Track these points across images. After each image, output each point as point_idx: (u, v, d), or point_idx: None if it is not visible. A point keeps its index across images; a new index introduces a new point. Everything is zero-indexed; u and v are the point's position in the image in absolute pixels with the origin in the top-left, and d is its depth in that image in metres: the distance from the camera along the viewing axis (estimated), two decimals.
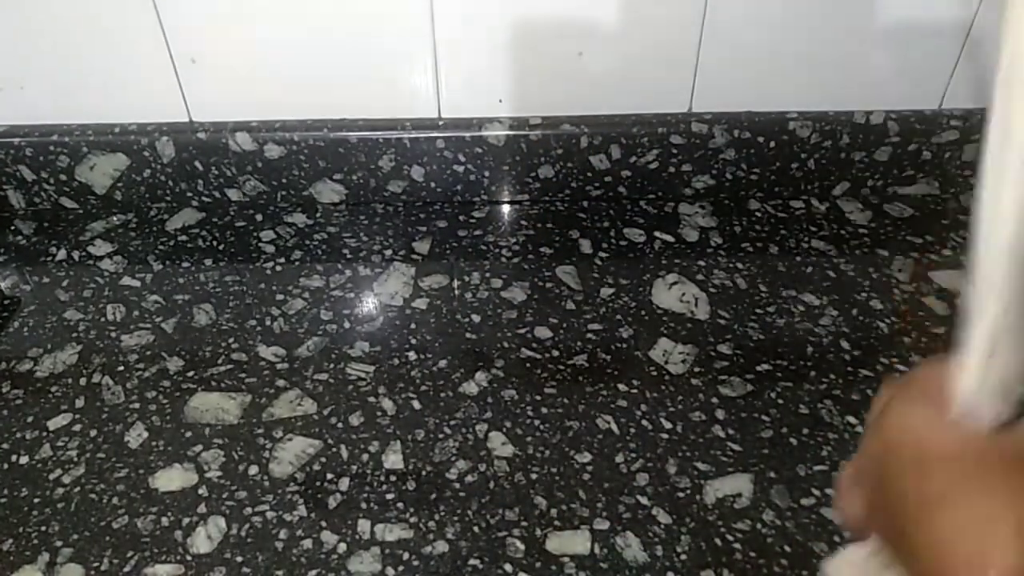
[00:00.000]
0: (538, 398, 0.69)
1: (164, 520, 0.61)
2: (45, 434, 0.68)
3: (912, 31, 0.81)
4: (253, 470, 0.65)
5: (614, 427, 0.67)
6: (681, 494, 0.61)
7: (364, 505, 0.62)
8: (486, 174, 0.90)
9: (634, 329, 0.76)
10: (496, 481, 0.63)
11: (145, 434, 0.68)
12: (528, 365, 0.73)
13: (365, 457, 0.65)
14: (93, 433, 0.68)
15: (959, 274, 0.81)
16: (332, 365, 0.73)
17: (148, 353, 0.75)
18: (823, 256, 0.84)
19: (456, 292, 0.81)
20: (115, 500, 0.63)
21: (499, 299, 0.80)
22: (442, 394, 0.70)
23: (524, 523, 0.60)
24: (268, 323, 0.78)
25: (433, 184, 0.91)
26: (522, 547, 0.58)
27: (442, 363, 0.73)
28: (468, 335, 0.76)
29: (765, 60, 0.83)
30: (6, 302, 0.82)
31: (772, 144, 0.88)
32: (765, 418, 0.67)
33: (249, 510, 0.62)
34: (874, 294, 0.79)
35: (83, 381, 0.73)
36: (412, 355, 0.74)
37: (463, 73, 0.85)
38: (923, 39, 0.82)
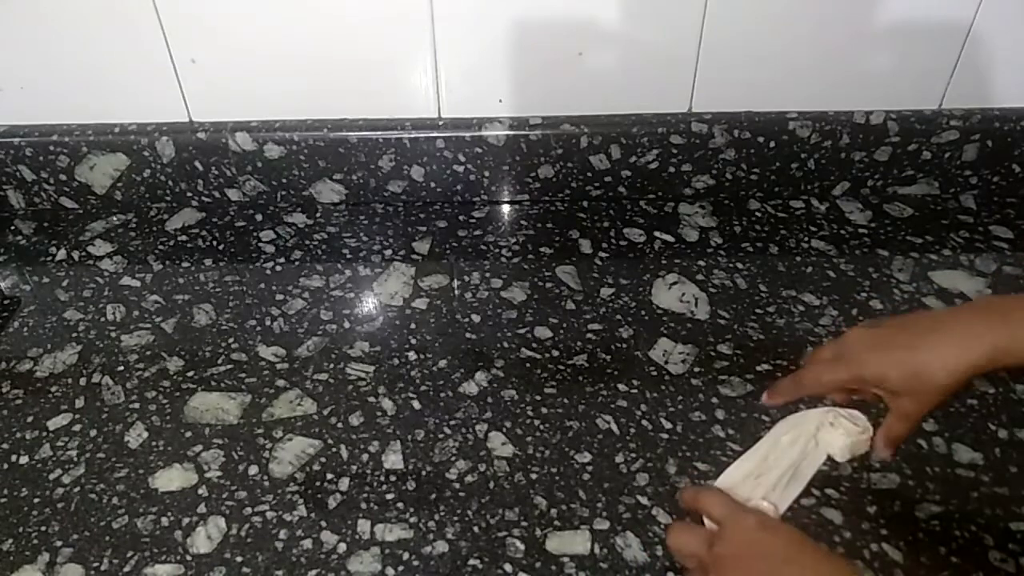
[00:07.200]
0: (538, 398, 0.69)
1: (164, 520, 0.61)
2: (45, 434, 0.68)
3: (912, 31, 0.81)
4: (253, 470, 0.65)
5: (614, 427, 0.67)
6: None
7: (364, 505, 0.62)
8: (486, 174, 0.90)
9: (634, 329, 0.76)
10: (496, 481, 0.63)
11: (145, 434, 0.68)
12: (528, 365, 0.73)
13: (365, 457, 0.65)
14: (93, 433, 0.68)
15: (959, 274, 0.81)
16: (332, 365, 0.73)
17: (148, 353, 0.75)
18: (823, 256, 0.84)
19: (456, 292, 0.81)
20: (115, 500, 0.63)
21: (499, 299, 0.80)
22: (442, 394, 0.70)
23: (524, 523, 0.60)
24: (268, 323, 0.78)
25: (433, 184, 0.91)
26: (522, 547, 0.58)
27: (442, 363, 0.73)
28: (468, 335, 0.76)
29: (765, 60, 0.83)
30: (6, 302, 0.82)
31: (772, 144, 0.87)
32: (765, 418, 0.67)
33: (249, 510, 0.62)
34: (874, 294, 0.79)
35: (83, 381, 0.73)
36: (412, 355, 0.74)
37: (463, 73, 0.85)
38: (923, 39, 0.82)
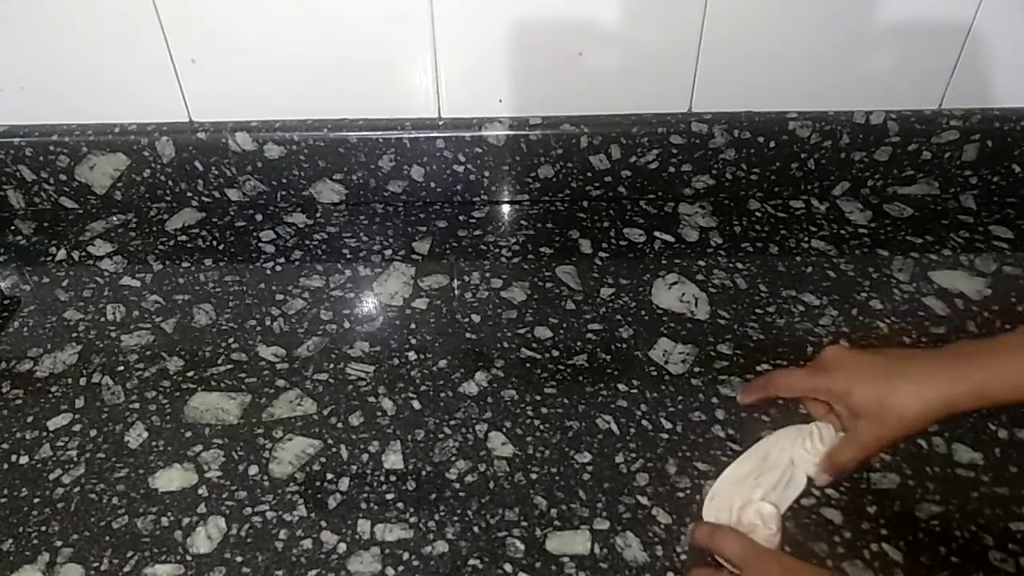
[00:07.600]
0: (538, 398, 0.69)
1: (164, 520, 0.61)
2: (45, 434, 0.68)
3: (912, 31, 0.81)
4: (253, 470, 0.65)
5: (614, 427, 0.67)
6: (681, 494, 0.61)
7: (364, 505, 0.62)
8: (486, 174, 0.90)
9: (634, 329, 0.76)
10: (496, 481, 0.63)
11: (145, 434, 0.68)
12: (528, 365, 0.73)
13: (365, 457, 0.65)
14: (93, 433, 0.68)
15: (959, 274, 0.81)
16: (332, 365, 0.73)
17: (148, 353, 0.75)
18: (823, 256, 0.84)
19: (456, 292, 0.81)
20: (115, 500, 0.63)
21: (499, 299, 0.80)
22: (442, 394, 0.70)
23: (524, 523, 0.60)
24: (268, 323, 0.78)
25: (433, 184, 0.91)
26: (522, 547, 0.58)
27: (442, 363, 0.73)
28: (468, 335, 0.76)
29: (765, 60, 0.83)
30: (6, 302, 0.82)
31: (772, 144, 0.87)
32: (765, 418, 0.67)
33: (249, 510, 0.62)
34: (874, 294, 0.79)
35: (83, 381, 0.73)
36: (412, 355, 0.74)
37: (463, 73, 0.85)
38: (923, 39, 0.82)
